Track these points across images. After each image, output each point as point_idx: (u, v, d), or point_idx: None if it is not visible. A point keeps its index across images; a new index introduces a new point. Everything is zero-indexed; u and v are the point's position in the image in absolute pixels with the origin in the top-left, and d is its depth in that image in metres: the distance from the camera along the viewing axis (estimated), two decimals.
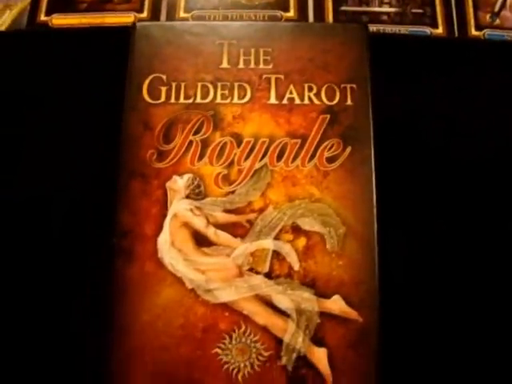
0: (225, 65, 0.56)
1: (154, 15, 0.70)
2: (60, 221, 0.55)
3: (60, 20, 0.70)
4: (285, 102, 0.55)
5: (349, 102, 0.55)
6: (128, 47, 0.58)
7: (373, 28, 0.68)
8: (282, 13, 0.69)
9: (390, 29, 0.68)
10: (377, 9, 0.69)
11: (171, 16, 0.69)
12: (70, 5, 0.71)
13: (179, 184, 0.53)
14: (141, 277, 0.51)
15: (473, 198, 0.56)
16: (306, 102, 0.55)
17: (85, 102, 0.60)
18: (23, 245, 0.55)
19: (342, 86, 0.56)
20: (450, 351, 0.53)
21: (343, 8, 0.69)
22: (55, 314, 0.53)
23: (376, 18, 0.69)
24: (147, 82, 0.56)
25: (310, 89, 0.56)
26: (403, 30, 0.68)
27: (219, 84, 0.56)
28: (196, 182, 0.53)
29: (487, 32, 0.69)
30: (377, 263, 0.51)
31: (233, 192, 0.53)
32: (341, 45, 0.57)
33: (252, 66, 0.56)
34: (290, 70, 0.56)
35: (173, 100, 0.55)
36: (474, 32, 0.69)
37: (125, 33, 0.62)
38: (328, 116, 0.54)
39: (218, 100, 0.55)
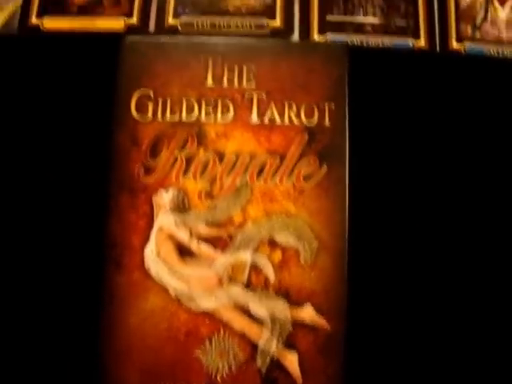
0: (209, 82, 0.58)
1: (143, 20, 0.71)
2: (52, 231, 0.58)
3: (51, 23, 0.71)
4: (266, 121, 0.58)
5: (327, 122, 0.58)
6: (117, 57, 0.60)
7: (356, 39, 0.70)
8: (268, 20, 0.70)
9: (373, 40, 0.70)
10: (361, 18, 0.71)
11: (160, 21, 0.71)
12: (61, 7, 0.72)
13: (164, 198, 0.56)
14: (129, 285, 0.56)
15: (442, 215, 0.60)
16: (286, 121, 0.58)
17: (74, 112, 0.62)
18: (17, 253, 0.59)
19: (321, 105, 0.58)
20: (413, 357, 0.58)
21: (328, 18, 0.71)
22: (49, 318, 0.58)
23: (360, 28, 0.71)
24: (135, 97, 0.58)
25: (290, 107, 0.58)
26: (386, 40, 0.70)
27: (204, 101, 0.58)
28: (180, 197, 0.57)
29: (467, 44, 0.71)
30: (346, 274, 0.56)
31: (215, 207, 0.56)
32: (322, 64, 0.59)
33: (235, 83, 0.58)
34: (271, 89, 0.58)
35: (159, 116, 0.58)
36: (454, 44, 0.71)
37: (114, 41, 0.65)
38: (306, 136, 0.57)
39: (203, 117, 0.58)
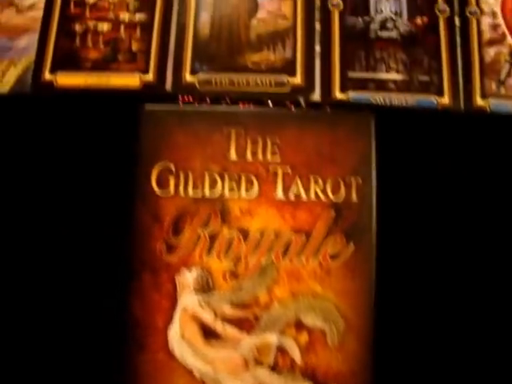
0: (232, 155, 0.57)
1: (160, 77, 0.68)
2: (75, 313, 0.57)
3: (65, 79, 0.69)
4: (291, 197, 0.56)
5: (353, 198, 0.56)
6: (134, 123, 0.59)
7: (379, 97, 0.68)
8: (289, 77, 0.69)
9: (396, 97, 0.68)
10: (383, 75, 0.69)
11: (177, 78, 0.69)
12: (74, 63, 0.69)
13: (188, 278, 0.55)
14: (153, 366, 0.55)
15: (472, 291, 0.59)
16: (312, 197, 0.56)
17: (91, 182, 0.61)
18: (37, 339, 0.58)
19: (348, 179, 0.57)
20: None
21: (350, 74, 0.69)
22: None
23: (382, 85, 0.69)
24: (156, 170, 0.57)
25: (316, 181, 0.57)
26: (409, 98, 0.68)
27: (227, 175, 0.57)
28: (204, 277, 0.55)
29: (492, 101, 0.69)
30: (373, 356, 0.55)
31: (240, 287, 0.55)
32: (348, 135, 0.57)
33: (259, 157, 0.57)
34: (296, 162, 0.57)
35: (181, 191, 0.56)
36: (479, 100, 0.69)
37: (130, 101, 0.63)
38: (333, 212, 0.56)
39: (226, 192, 0.56)
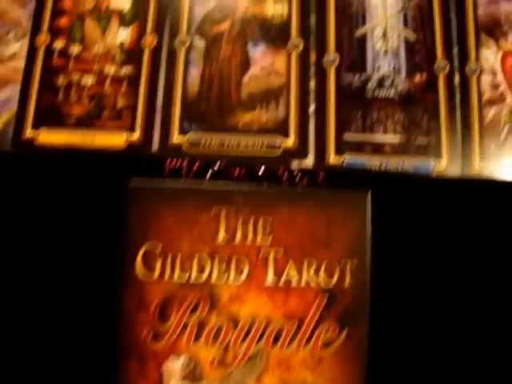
0: (221, 237, 0.54)
1: (146, 135, 0.65)
2: None
3: (47, 136, 0.65)
4: (282, 283, 0.54)
5: (348, 282, 0.55)
6: (117, 191, 0.56)
7: (375, 161, 0.65)
8: (282, 139, 0.66)
9: (392, 161, 0.65)
10: (380, 137, 0.66)
11: (164, 138, 0.66)
12: (57, 118, 0.65)
13: (175, 366, 0.53)
14: None
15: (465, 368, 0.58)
16: (304, 282, 0.54)
17: (72, 257, 0.58)
18: None
19: (342, 262, 0.55)
20: None
21: (346, 136, 0.66)
22: None
23: (379, 148, 0.66)
24: (142, 251, 0.54)
25: (309, 265, 0.55)
26: (406, 161, 0.65)
27: (216, 259, 0.54)
28: (192, 365, 0.54)
29: (490, 163, 0.67)
30: None
31: (228, 376, 0.53)
32: (343, 215, 0.55)
33: (250, 238, 0.55)
34: (289, 245, 0.55)
35: (168, 275, 0.54)
36: (477, 164, 0.67)
37: (116, 163, 0.61)
38: (326, 298, 0.54)
39: (215, 276, 0.54)
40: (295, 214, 0.55)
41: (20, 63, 0.68)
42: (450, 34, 0.70)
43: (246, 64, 0.67)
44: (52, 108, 0.66)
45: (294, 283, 0.54)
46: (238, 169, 0.62)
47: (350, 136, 0.66)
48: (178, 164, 0.63)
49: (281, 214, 0.55)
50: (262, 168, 0.61)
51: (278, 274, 0.54)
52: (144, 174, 0.61)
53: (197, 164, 0.62)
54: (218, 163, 0.62)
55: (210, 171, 0.62)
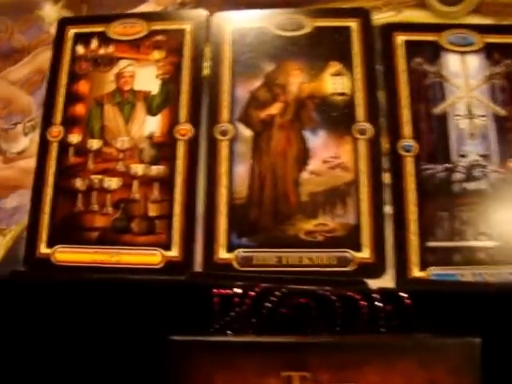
0: None
1: (186, 253, 0.54)
2: None
3: (65, 255, 0.54)
4: None
5: None
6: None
7: (467, 272, 0.54)
8: (354, 253, 0.54)
9: (488, 272, 0.54)
10: (472, 243, 0.55)
11: (208, 255, 0.54)
12: (77, 233, 0.54)
13: None
14: None
15: None
16: None
17: None
18: None
19: None
20: None
21: (430, 243, 0.55)
22: None
23: (472, 257, 0.55)
24: None
25: None
26: (505, 271, 0.54)
27: None
28: None
29: None
30: None
31: None
32: (448, 372, 0.44)
33: None
34: None
35: None
36: None
37: (149, 289, 0.49)
38: None
39: None
40: (388, 373, 0.44)
41: (30, 163, 0.57)
42: None
43: (304, 157, 0.56)
44: (70, 219, 0.55)
45: None
46: (305, 300, 0.50)
47: (434, 244, 0.54)
48: (227, 292, 0.52)
49: (370, 374, 0.44)
50: (336, 300, 0.50)
51: None
52: (183, 305, 0.50)
53: (251, 294, 0.51)
54: (277, 292, 0.51)
55: (268, 304, 0.50)
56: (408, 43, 0.58)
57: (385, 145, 0.55)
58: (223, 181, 0.54)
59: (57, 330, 0.52)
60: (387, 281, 0.53)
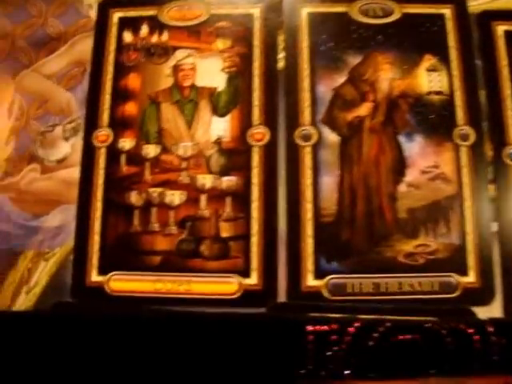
0: None
1: (269, 282, 0.46)
2: None
3: (121, 283, 0.46)
4: None
5: None
6: None
7: None
8: (459, 277, 0.48)
9: None
10: None
11: (294, 282, 0.46)
12: (134, 257, 0.45)
13: None
14: None
15: None
16: None
17: None
18: None
19: None
20: None
21: None
22: None
23: None
24: None
25: None
26: None
27: None
28: None
29: None
30: None
31: None
32: None
33: None
34: None
35: None
36: None
37: (226, 323, 0.42)
38: None
39: None
40: None
41: (73, 173, 0.48)
42: None
43: (400, 166, 0.48)
44: (125, 240, 0.46)
45: None
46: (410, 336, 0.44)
47: None
48: (323, 329, 0.45)
49: None
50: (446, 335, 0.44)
51: None
52: (266, 343, 0.43)
53: (350, 330, 0.44)
54: (381, 328, 0.44)
55: (371, 342, 0.44)
56: (509, 34, 0.51)
57: (488, 152, 0.50)
58: (308, 195, 0.46)
59: (109, 371, 0.45)
60: (494, 308, 0.48)
